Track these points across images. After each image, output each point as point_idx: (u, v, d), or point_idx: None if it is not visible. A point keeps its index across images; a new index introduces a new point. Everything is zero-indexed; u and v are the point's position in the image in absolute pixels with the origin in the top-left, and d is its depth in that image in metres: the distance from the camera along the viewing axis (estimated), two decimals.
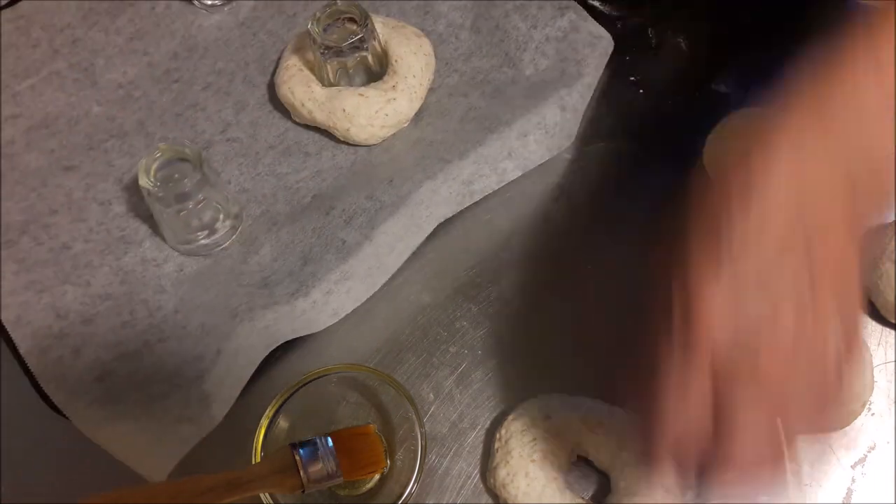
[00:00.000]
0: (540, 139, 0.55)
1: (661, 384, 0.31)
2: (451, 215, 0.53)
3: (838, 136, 0.31)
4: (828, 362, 0.30)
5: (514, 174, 0.55)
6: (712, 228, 0.31)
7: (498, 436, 0.45)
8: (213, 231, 0.51)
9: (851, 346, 0.31)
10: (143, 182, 0.47)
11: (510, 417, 0.46)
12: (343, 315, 0.50)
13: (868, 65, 0.32)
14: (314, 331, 0.49)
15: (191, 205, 0.48)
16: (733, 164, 0.32)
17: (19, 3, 0.59)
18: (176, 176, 0.48)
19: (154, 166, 0.48)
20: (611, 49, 0.58)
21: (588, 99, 0.57)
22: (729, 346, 0.29)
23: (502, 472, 0.44)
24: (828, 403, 0.31)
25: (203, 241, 0.51)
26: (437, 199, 0.52)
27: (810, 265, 0.30)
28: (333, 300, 0.49)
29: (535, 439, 0.44)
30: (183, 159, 0.48)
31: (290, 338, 0.48)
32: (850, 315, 0.31)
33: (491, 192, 0.55)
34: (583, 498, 0.44)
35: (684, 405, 0.30)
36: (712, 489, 0.35)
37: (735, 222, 0.30)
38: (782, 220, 0.30)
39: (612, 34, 0.59)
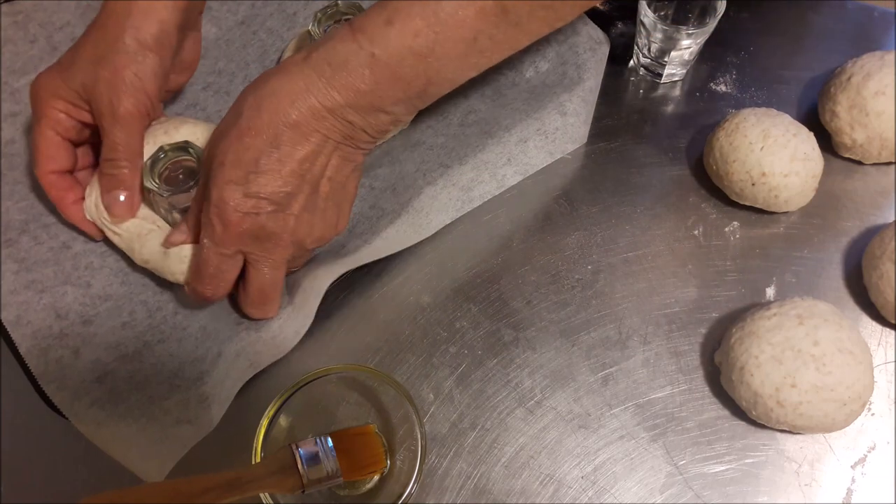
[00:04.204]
0: (540, 144, 0.55)
1: (203, 269, 0.45)
2: (449, 222, 0.53)
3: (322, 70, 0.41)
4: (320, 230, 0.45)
5: (513, 179, 0.56)
6: (242, 157, 0.42)
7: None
8: None
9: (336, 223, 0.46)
10: (148, 183, 0.47)
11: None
12: (324, 291, 0.50)
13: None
14: (308, 325, 0.49)
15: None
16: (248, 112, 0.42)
17: (18, 0, 0.59)
18: (180, 177, 0.48)
19: (158, 167, 0.48)
20: (607, 51, 0.58)
21: (592, 103, 0.57)
22: (249, 234, 0.43)
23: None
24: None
25: None
26: (437, 205, 0.52)
27: (313, 183, 0.43)
28: (318, 284, 0.49)
29: None
30: (186, 159, 0.48)
31: (293, 343, 0.48)
32: (340, 204, 0.46)
33: (490, 197, 0.55)
34: None
35: (223, 275, 0.45)
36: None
37: (257, 153, 0.41)
38: (288, 156, 0.42)
39: (611, 34, 0.59)
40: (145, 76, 0.46)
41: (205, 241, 0.44)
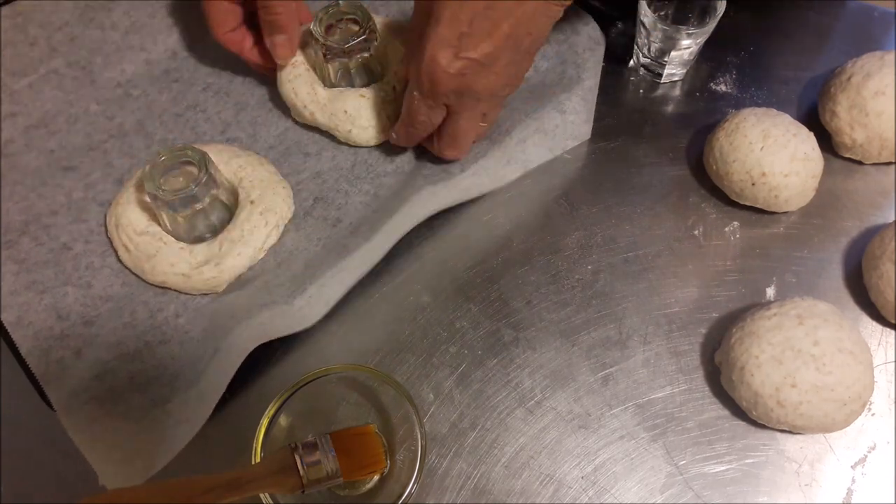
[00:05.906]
0: (539, 142, 0.55)
1: (411, 105, 0.48)
2: (443, 208, 0.53)
3: None
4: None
5: (513, 175, 0.55)
6: (457, 15, 0.43)
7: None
8: (218, 232, 0.51)
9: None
10: (150, 188, 0.47)
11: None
12: (333, 304, 0.50)
13: None
14: (307, 325, 0.49)
15: (199, 206, 0.48)
16: None
17: (17, 1, 0.59)
18: (181, 180, 0.48)
19: (158, 171, 0.48)
20: (603, 50, 0.58)
21: (592, 101, 0.57)
22: (455, 92, 0.46)
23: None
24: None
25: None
26: (436, 201, 0.53)
27: (518, 40, 0.44)
28: (326, 291, 0.49)
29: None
30: (187, 162, 0.48)
31: (283, 334, 0.48)
32: (533, 54, 0.47)
33: (489, 191, 0.55)
34: None
35: (427, 112, 0.48)
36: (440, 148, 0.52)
37: (472, 14, 0.43)
38: (504, 18, 0.43)
39: (611, 34, 0.59)
40: None
41: (414, 93, 0.47)
